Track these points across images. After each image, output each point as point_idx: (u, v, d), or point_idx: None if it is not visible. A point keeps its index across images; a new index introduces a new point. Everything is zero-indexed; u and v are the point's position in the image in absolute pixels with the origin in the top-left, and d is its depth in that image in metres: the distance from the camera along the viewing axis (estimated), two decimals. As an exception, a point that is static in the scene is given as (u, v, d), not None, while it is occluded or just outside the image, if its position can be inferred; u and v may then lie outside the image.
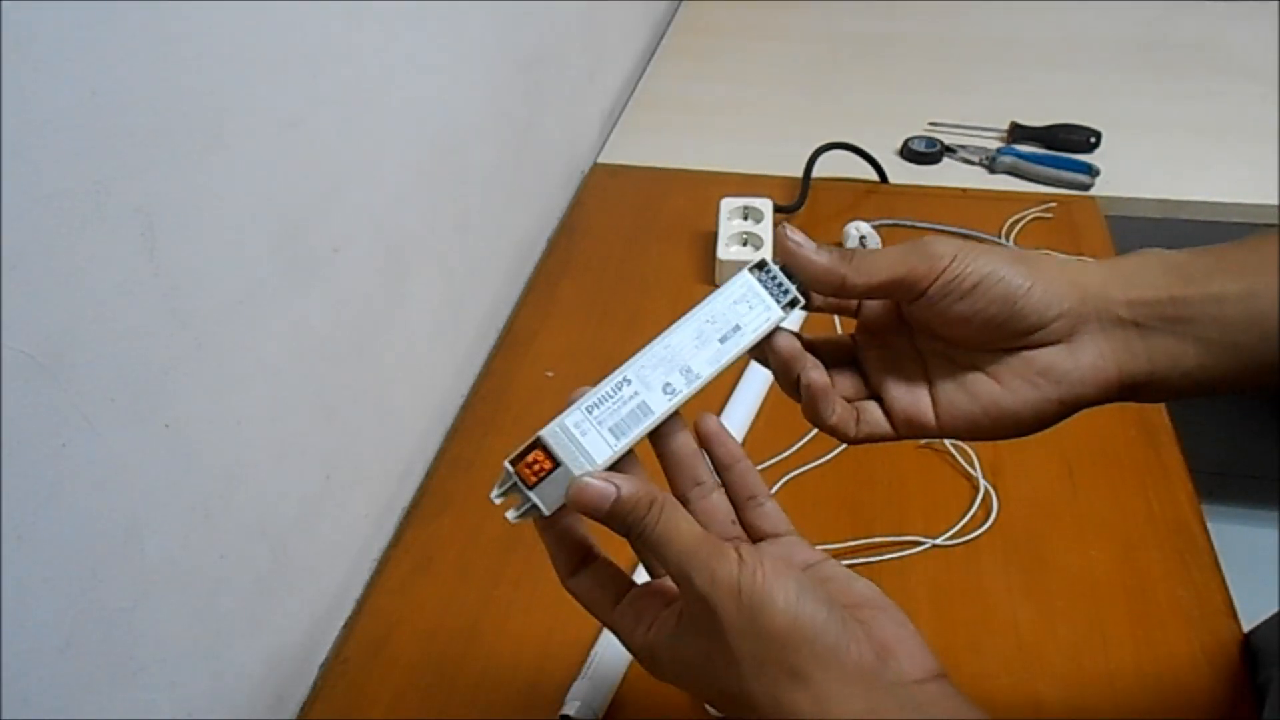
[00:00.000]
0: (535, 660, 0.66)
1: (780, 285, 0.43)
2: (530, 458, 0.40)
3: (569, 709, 0.60)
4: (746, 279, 0.43)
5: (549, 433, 0.40)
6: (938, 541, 0.72)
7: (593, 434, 0.40)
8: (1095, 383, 0.41)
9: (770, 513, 0.44)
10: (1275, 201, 1.04)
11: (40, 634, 0.44)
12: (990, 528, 0.73)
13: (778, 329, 0.43)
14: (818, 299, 0.44)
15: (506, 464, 0.40)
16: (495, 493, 0.41)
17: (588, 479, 0.39)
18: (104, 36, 0.44)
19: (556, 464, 0.40)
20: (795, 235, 0.42)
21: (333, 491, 0.68)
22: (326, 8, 0.61)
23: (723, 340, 0.42)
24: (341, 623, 0.71)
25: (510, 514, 0.41)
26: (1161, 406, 0.82)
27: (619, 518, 0.38)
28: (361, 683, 0.66)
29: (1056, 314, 0.40)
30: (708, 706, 0.59)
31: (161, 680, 0.52)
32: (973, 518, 0.74)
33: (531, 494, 0.40)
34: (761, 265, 0.43)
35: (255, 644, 0.61)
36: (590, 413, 0.40)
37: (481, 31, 0.87)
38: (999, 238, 1.02)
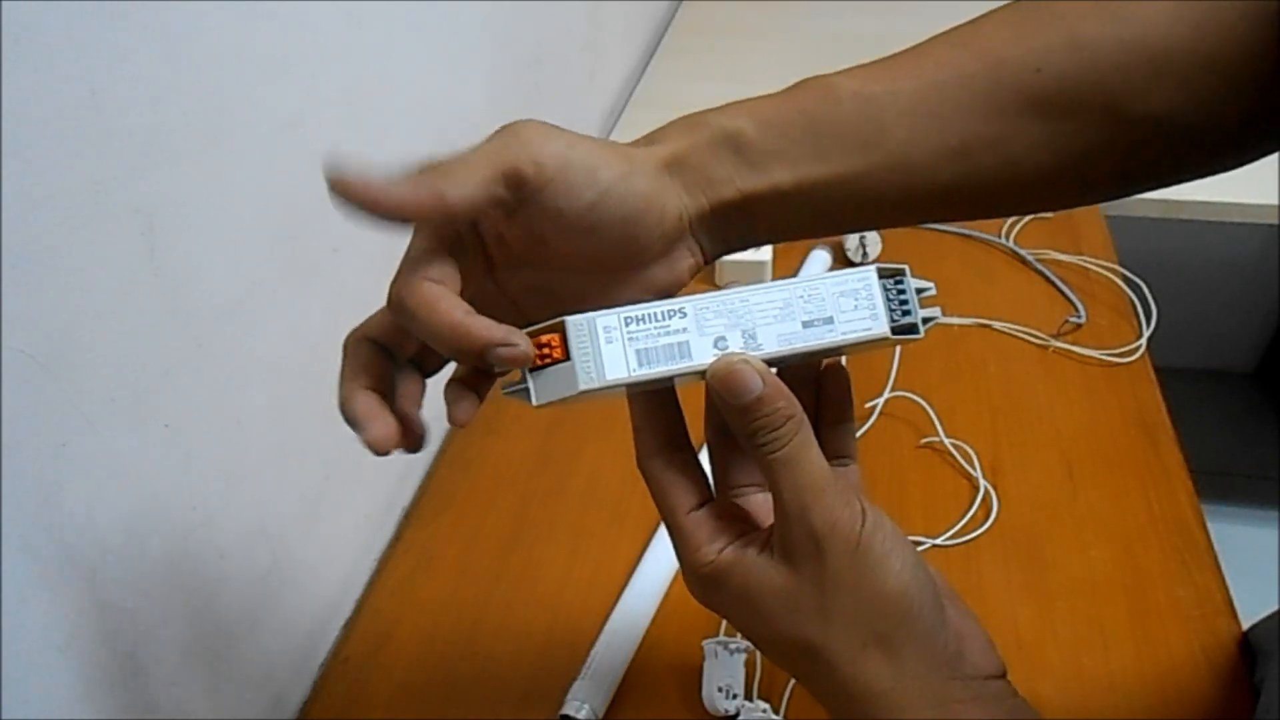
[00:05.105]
0: (535, 660, 0.66)
1: (904, 304, 0.37)
2: (546, 338, 0.35)
3: (569, 709, 0.60)
4: (869, 277, 0.37)
5: (575, 322, 0.35)
6: (938, 541, 0.72)
7: (617, 347, 0.35)
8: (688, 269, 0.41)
9: (851, 474, 0.41)
10: (1275, 201, 1.04)
11: (40, 634, 0.44)
12: (990, 528, 0.73)
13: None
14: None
15: (524, 333, 0.36)
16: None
17: (744, 362, 0.35)
18: (104, 36, 0.44)
19: (566, 357, 0.35)
20: (352, 165, 0.34)
21: (333, 491, 0.68)
22: (326, 8, 0.61)
23: (806, 325, 0.36)
24: (341, 623, 0.71)
25: (504, 388, 0.36)
26: (1161, 406, 0.82)
27: (754, 416, 0.35)
28: (361, 683, 0.66)
29: (659, 234, 0.38)
30: (709, 700, 0.59)
31: (161, 680, 0.52)
32: (973, 518, 0.74)
33: (529, 378, 0.35)
34: (896, 274, 0.37)
35: (255, 644, 0.61)
36: (626, 325, 0.35)
37: (481, 31, 0.87)
38: (999, 238, 1.02)
